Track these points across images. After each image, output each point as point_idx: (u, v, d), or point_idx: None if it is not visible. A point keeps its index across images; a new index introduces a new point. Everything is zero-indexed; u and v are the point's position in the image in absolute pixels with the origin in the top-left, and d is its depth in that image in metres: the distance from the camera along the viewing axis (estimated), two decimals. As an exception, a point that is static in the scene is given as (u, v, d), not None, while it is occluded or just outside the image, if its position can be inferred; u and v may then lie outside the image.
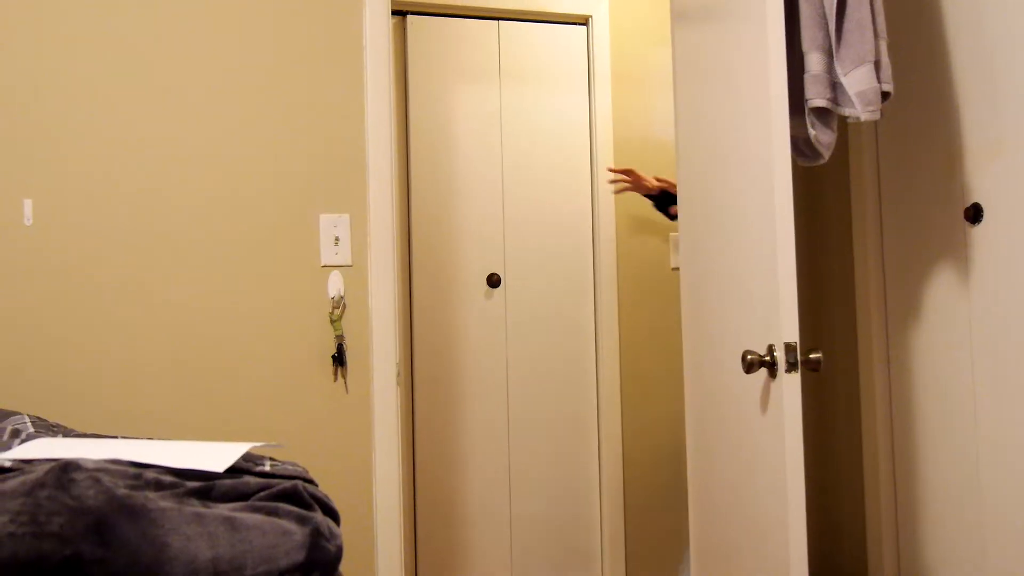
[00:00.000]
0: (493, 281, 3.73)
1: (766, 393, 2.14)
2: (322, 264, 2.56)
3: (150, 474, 1.23)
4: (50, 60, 2.41)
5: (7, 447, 1.41)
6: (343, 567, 1.80)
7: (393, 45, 2.80)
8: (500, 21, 3.81)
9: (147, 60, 2.47)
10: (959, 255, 2.46)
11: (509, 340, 3.75)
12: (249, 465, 1.37)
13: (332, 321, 2.55)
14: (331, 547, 1.24)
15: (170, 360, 2.45)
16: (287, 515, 1.23)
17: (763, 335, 2.15)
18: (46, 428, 1.72)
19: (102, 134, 2.44)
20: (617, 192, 3.70)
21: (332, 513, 1.34)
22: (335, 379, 2.56)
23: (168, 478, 1.24)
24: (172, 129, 2.48)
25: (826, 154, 2.29)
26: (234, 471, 1.33)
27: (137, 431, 2.40)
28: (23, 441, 1.48)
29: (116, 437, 1.64)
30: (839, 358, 3.08)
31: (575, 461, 3.78)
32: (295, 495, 1.28)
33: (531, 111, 3.82)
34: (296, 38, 2.56)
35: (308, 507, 1.28)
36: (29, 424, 1.70)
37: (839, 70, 2.22)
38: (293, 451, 2.47)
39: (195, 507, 1.19)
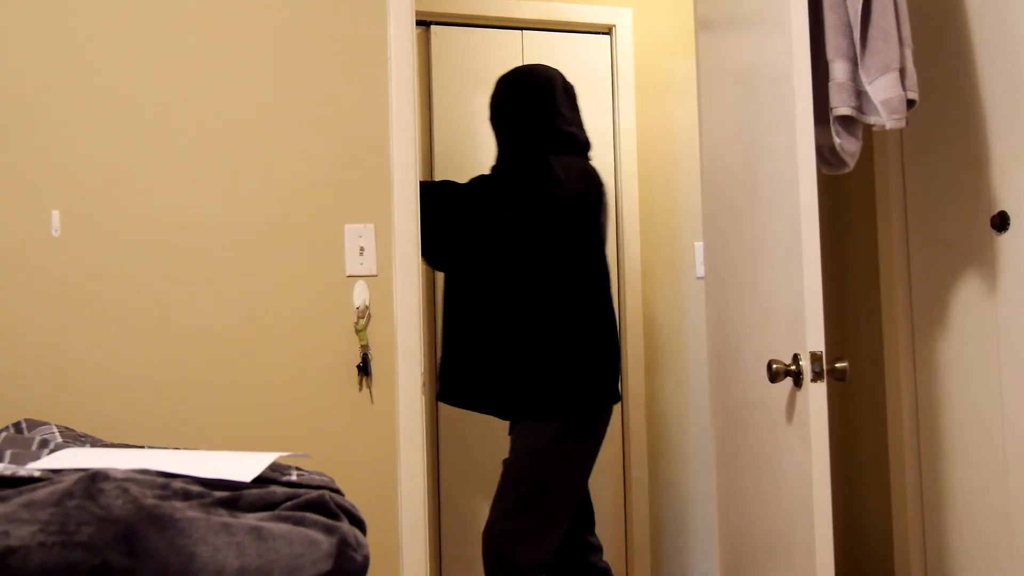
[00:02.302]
0: (517, 290, 3.72)
1: (792, 402, 2.13)
2: (347, 274, 2.57)
3: (178, 484, 1.24)
4: (79, 73, 2.43)
5: (36, 457, 1.42)
6: (368, 577, 1.80)
7: (417, 55, 2.81)
8: (524, 31, 3.81)
9: (175, 72, 2.49)
10: (986, 263, 2.44)
11: (533, 349, 3.74)
12: (276, 475, 1.38)
13: (357, 331, 2.55)
14: (358, 557, 1.24)
15: (195, 370, 2.46)
16: (314, 525, 1.24)
17: (788, 344, 2.14)
18: (74, 438, 1.73)
19: (130, 146, 2.45)
20: None
21: (359, 523, 1.34)
22: (360, 389, 2.56)
23: (195, 488, 1.25)
24: (199, 140, 2.49)
25: (851, 162, 2.28)
26: (261, 481, 1.33)
27: (164, 441, 2.41)
28: (52, 451, 1.49)
29: (143, 447, 1.65)
30: (865, 367, 3.05)
31: (600, 469, 3.76)
32: (322, 505, 1.29)
33: (554, 120, 3.81)
34: (321, 50, 2.58)
35: (335, 517, 1.28)
36: (57, 434, 1.71)
37: (864, 78, 2.21)
38: (318, 461, 2.47)
39: (222, 517, 1.19)
